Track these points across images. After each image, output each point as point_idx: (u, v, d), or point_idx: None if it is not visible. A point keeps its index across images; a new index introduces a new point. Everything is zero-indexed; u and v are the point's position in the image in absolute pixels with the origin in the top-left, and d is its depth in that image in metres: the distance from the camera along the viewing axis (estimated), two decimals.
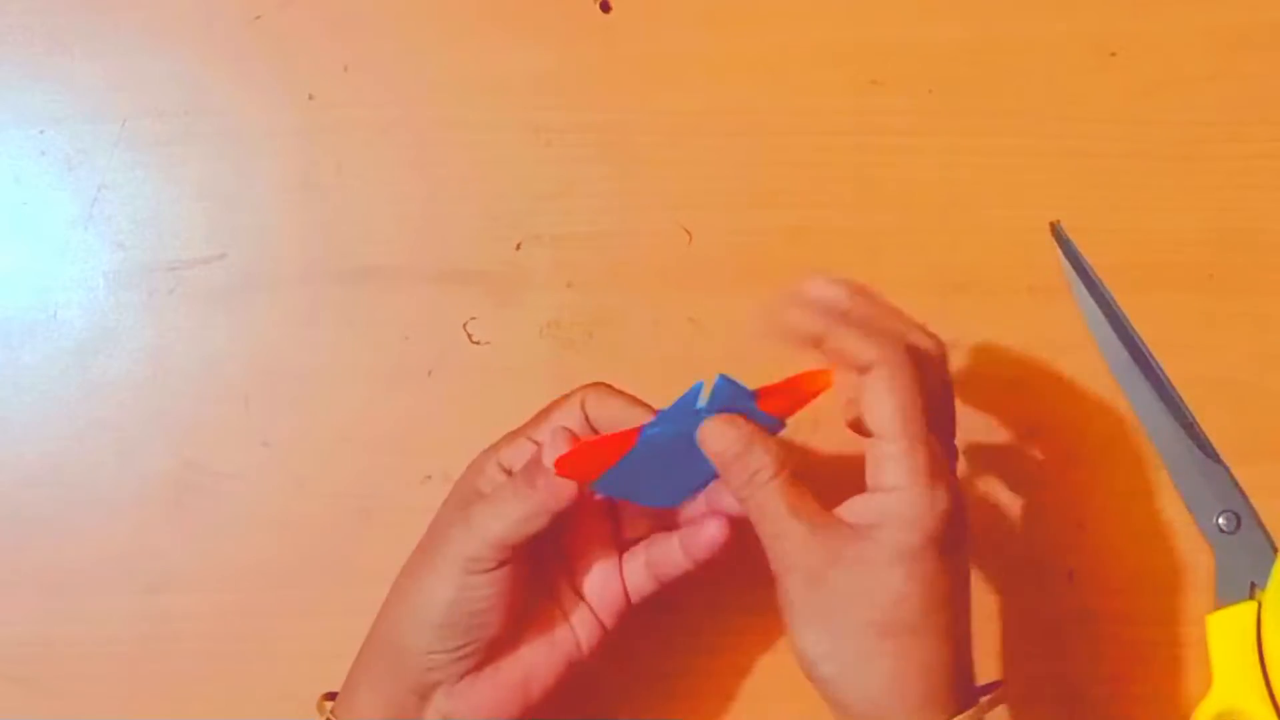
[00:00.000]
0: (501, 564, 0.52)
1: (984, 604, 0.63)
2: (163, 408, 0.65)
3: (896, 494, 0.49)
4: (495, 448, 0.56)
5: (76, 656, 0.64)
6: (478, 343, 0.65)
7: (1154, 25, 0.66)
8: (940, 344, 0.53)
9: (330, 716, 0.55)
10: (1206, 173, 0.65)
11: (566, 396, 0.55)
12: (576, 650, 0.56)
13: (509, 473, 0.54)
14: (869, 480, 0.50)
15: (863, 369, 0.50)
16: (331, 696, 0.56)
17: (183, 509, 0.64)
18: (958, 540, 0.50)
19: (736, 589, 0.62)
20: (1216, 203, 0.65)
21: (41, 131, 0.66)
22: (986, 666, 0.62)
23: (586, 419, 0.55)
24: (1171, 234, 0.65)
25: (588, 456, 0.52)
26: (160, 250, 0.66)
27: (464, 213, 0.66)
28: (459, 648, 0.53)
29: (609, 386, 0.55)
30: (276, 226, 0.66)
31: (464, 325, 0.65)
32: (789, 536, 0.50)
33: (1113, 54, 0.66)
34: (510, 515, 0.52)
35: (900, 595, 0.49)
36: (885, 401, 0.50)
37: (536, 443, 0.54)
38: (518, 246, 0.65)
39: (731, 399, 0.52)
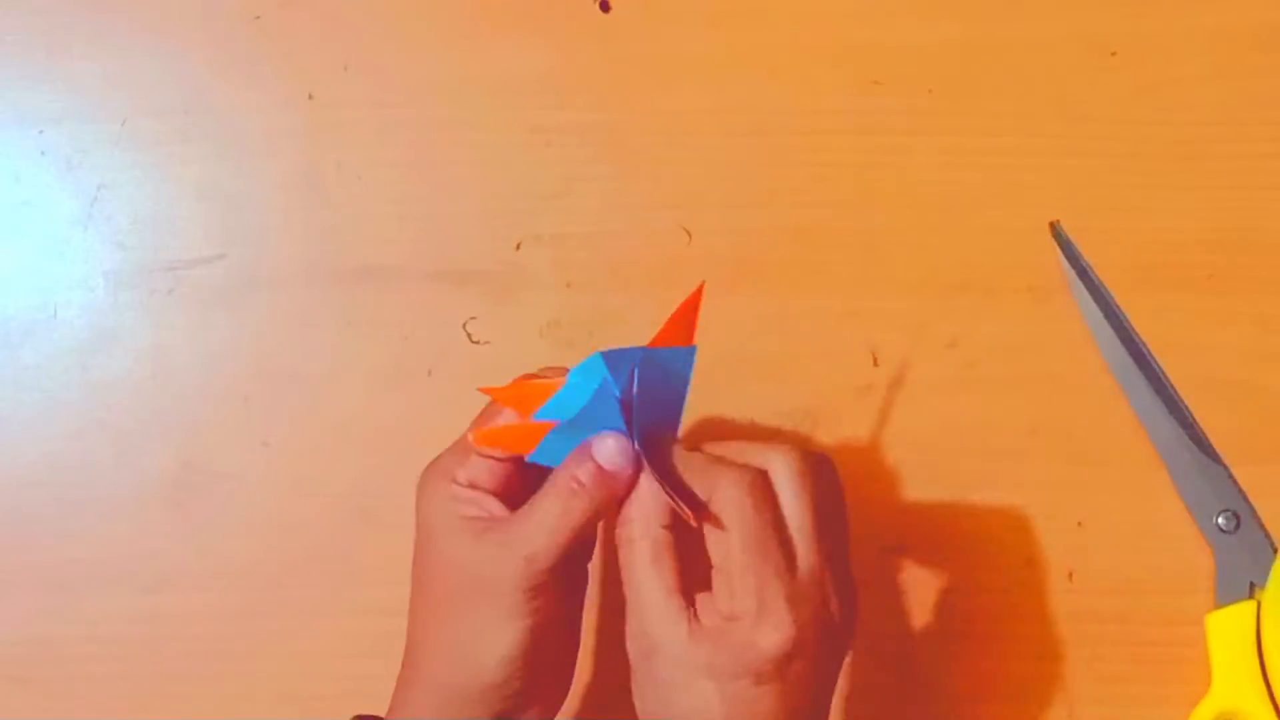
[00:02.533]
0: (555, 579, 0.51)
1: (984, 604, 0.63)
2: (163, 408, 0.65)
3: (725, 621, 0.49)
4: (445, 470, 0.53)
5: (76, 656, 0.64)
6: (477, 343, 0.65)
7: (1154, 25, 0.66)
8: (824, 456, 0.52)
9: None
10: (1206, 173, 0.65)
11: (496, 404, 0.54)
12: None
13: (477, 488, 0.53)
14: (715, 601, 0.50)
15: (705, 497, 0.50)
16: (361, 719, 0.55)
17: (182, 509, 0.64)
18: (783, 671, 0.49)
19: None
20: (1216, 203, 0.65)
21: (41, 131, 0.66)
22: (986, 666, 0.63)
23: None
24: (1171, 234, 0.65)
25: (515, 433, 0.52)
26: (160, 250, 0.66)
27: (464, 213, 0.66)
28: (536, 670, 0.52)
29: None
30: (276, 226, 0.66)
31: (464, 325, 0.65)
32: (644, 609, 0.50)
33: (1113, 54, 0.66)
34: (565, 524, 0.51)
35: (707, 708, 0.49)
36: (726, 530, 0.49)
37: (495, 457, 0.53)
38: (518, 246, 0.65)
39: (627, 364, 0.51)
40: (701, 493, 0.50)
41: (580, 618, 0.56)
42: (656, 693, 0.50)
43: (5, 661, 0.64)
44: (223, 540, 0.64)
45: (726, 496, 0.50)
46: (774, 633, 0.49)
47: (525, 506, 0.52)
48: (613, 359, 0.51)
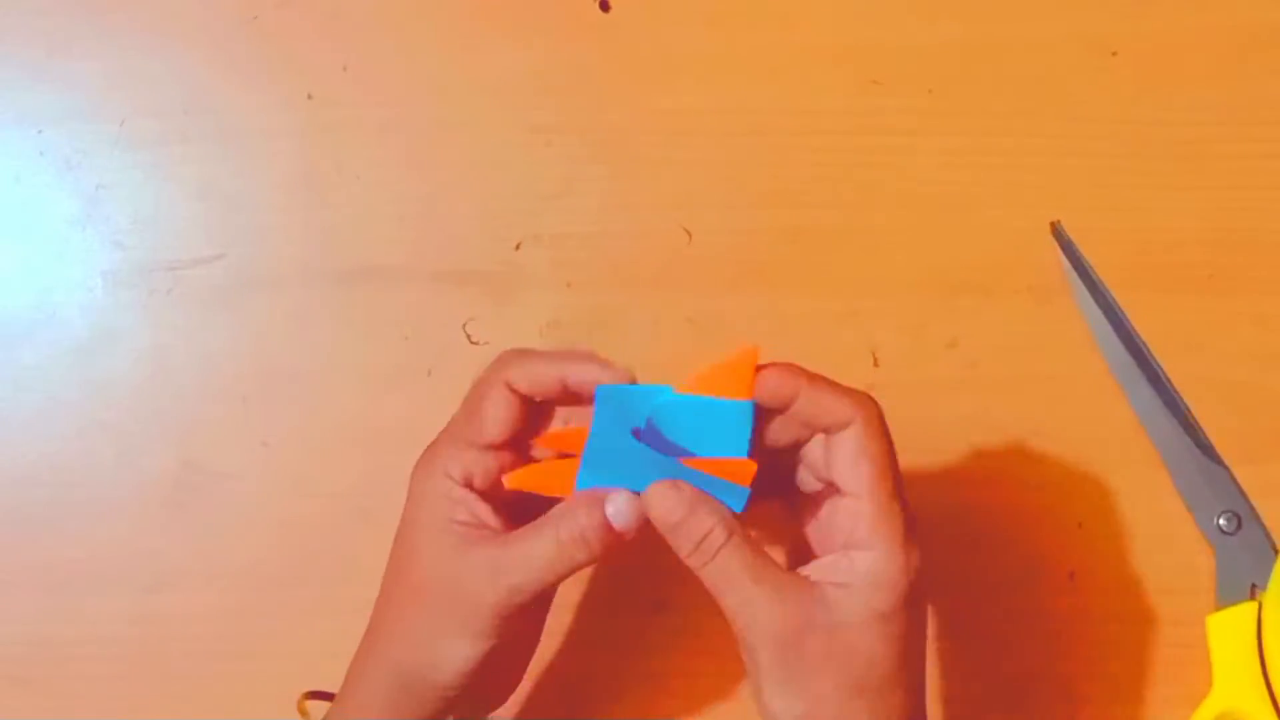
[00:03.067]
0: (530, 605, 0.51)
1: (984, 604, 0.63)
2: (163, 408, 0.65)
3: (871, 554, 0.49)
4: (440, 462, 0.52)
5: (76, 656, 0.64)
6: (477, 343, 0.65)
7: (1154, 25, 0.66)
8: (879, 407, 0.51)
9: None
10: (1206, 173, 0.65)
11: (485, 383, 0.52)
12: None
13: (471, 486, 0.51)
14: (839, 537, 0.49)
15: (834, 428, 0.49)
16: (313, 696, 0.55)
17: (182, 509, 0.64)
18: (923, 596, 0.50)
19: None
20: (1216, 203, 0.65)
21: (41, 131, 0.66)
22: (986, 667, 0.63)
23: (517, 397, 0.51)
24: (1171, 234, 0.65)
25: (546, 474, 0.51)
26: (160, 250, 0.66)
27: (464, 213, 0.66)
28: (494, 676, 0.52)
29: (525, 351, 0.52)
30: (276, 226, 0.66)
31: (463, 325, 0.65)
32: (755, 604, 0.48)
33: (1113, 54, 0.66)
34: (556, 567, 0.50)
35: (874, 656, 0.48)
36: (862, 459, 0.49)
37: (494, 446, 0.52)
38: (518, 246, 0.65)
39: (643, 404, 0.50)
40: (843, 415, 0.49)
41: (544, 621, 0.56)
42: (814, 676, 0.48)
43: (5, 661, 0.64)
44: (223, 540, 0.64)
45: (872, 421, 0.49)
46: (915, 553, 0.49)
47: (521, 533, 0.50)
48: (634, 398, 0.50)
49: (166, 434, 0.65)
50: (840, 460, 0.49)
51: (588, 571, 0.58)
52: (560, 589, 0.63)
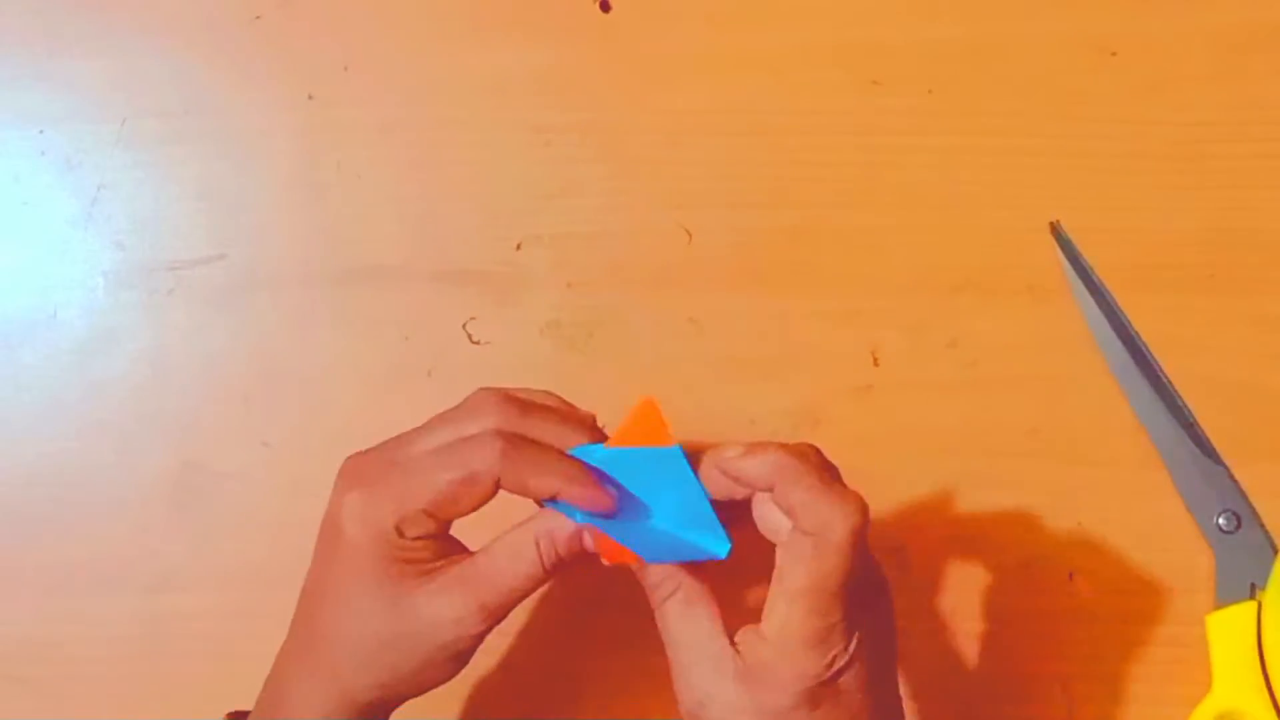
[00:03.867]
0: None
1: (984, 604, 0.63)
2: (163, 408, 0.65)
3: (771, 647, 0.49)
4: (380, 505, 0.51)
5: (76, 656, 0.64)
6: (478, 343, 0.65)
7: (1154, 25, 0.66)
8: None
9: None
10: (1206, 173, 0.65)
11: (478, 472, 0.50)
12: None
13: (421, 537, 0.51)
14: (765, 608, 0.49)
15: (801, 528, 0.48)
16: (237, 715, 0.55)
17: (183, 509, 0.64)
18: (840, 694, 0.49)
19: (736, 589, 0.62)
20: (1216, 203, 0.65)
21: (41, 131, 0.66)
22: (987, 667, 0.62)
23: (494, 491, 0.51)
24: (1171, 234, 0.65)
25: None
26: (160, 250, 0.66)
27: (464, 213, 0.66)
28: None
29: (526, 446, 0.51)
30: (276, 226, 0.66)
31: (464, 325, 0.65)
32: (677, 661, 0.50)
33: (1113, 54, 0.66)
34: (508, 594, 0.51)
35: None
36: (805, 569, 0.48)
37: (439, 518, 0.51)
38: (518, 246, 0.65)
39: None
40: (807, 521, 0.48)
41: None
42: None
43: (5, 661, 0.64)
44: (223, 540, 0.64)
45: (843, 527, 0.47)
46: (827, 655, 0.48)
47: (483, 558, 0.51)
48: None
49: (167, 434, 0.65)
50: (788, 550, 0.49)
51: (588, 570, 0.58)
52: (561, 589, 0.63)
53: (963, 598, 0.63)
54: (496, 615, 0.51)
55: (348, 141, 0.66)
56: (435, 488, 0.50)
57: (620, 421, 0.51)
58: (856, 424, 0.64)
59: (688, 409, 0.62)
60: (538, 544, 0.51)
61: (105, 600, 0.64)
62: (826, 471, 0.49)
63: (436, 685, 0.52)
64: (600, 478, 0.51)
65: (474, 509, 0.51)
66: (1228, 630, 0.60)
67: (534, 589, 0.51)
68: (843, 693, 0.49)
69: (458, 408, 0.53)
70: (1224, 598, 0.61)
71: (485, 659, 0.63)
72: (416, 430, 0.53)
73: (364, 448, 0.64)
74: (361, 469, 0.52)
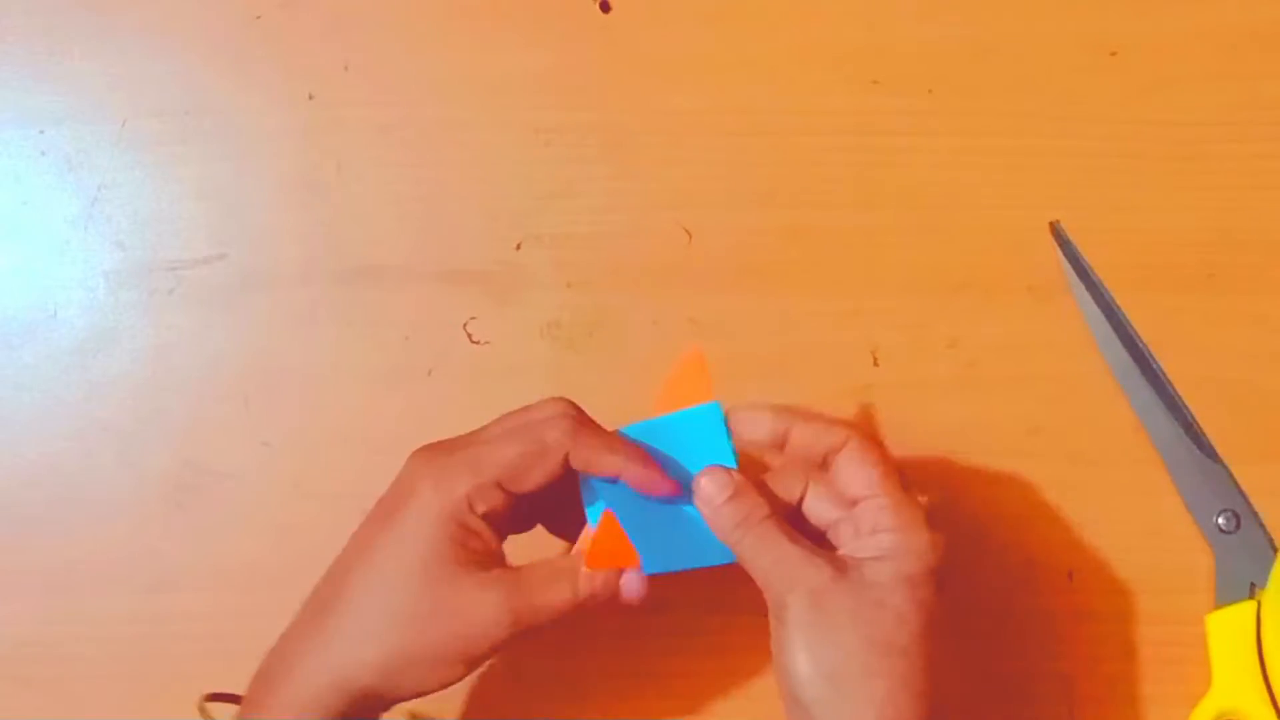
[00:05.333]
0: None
1: (984, 604, 0.63)
2: (163, 408, 0.65)
3: (899, 534, 0.52)
4: (457, 484, 0.52)
5: (76, 656, 0.64)
6: (478, 343, 0.65)
7: (1154, 25, 0.66)
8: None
9: None
10: (1206, 173, 0.65)
11: (547, 440, 0.53)
12: None
13: (483, 516, 0.53)
14: (867, 527, 0.52)
15: (830, 453, 0.53)
16: (216, 698, 0.55)
17: (183, 509, 0.64)
18: (943, 585, 0.52)
19: (736, 589, 0.62)
20: (1216, 203, 0.65)
21: (41, 131, 0.67)
22: (987, 666, 0.63)
23: (564, 467, 0.53)
24: (1171, 234, 0.65)
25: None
26: (160, 250, 0.66)
27: (464, 213, 0.66)
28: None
29: (591, 429, 0.54)
30: (276, 226, 0.66)
31: (464, 325, 0.65)
32: (791, 559, 0.51)
33: (1113, 54, 0.66)
34: (553, 612, 0.53)
35: (902, 617, 0.50)
36: (867, 467, 0.53)
37: (509, 491, 0.53)
38: (518, 246, 0.65)
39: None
40: (838, 437, 0.53)
41: None
42: (841, 632, 0.50)
43: (5, 661, 0.64)
44: (223, 540, 0.64)
45: (857, 446, 0.53)
46: (939, 537, 0.52)
47: (535, 574, 0.53)
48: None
49: (167, 434, 0.65)
50: (848, 474, 0.53)
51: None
52: None
53: (963, 597, 0.63)
54: (522, 626, 0.52)
55: (348, 141, 0.66)
56: (507, 458, 0.52)
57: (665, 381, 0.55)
58: (857, 424, 0.64)
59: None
60: (579, 571, 0.53)
61: (105, 600, 0.64)
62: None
63: (431, 689, 0.53)
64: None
65: (543, 484, 0.53)
66: (1227, 630, 0.60)
67: (563, 613, 0.53)
68: (943, 594, 0.52)
69: (526, 406, 0.55)
70: (1224, 598, 0.61)
71: None
72: (488, 424, 0.55)
73: (363, 448, 0.64)
74: (434, 451, 0.54)
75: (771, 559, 0.52)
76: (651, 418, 0.55)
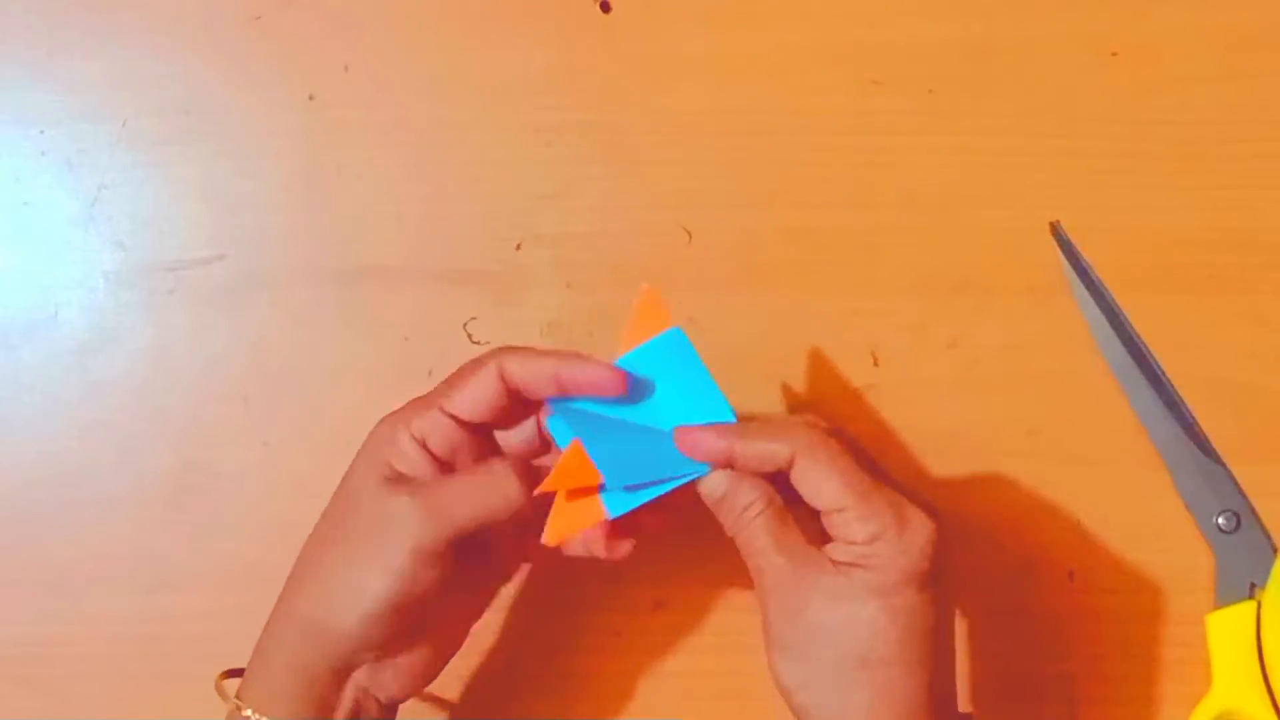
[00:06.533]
0: (451, 551, 0.52)
1: (984, 604, 0.63)
2: (163, 408, 0.65)
3: (866, 545, 0.51)
4: (403, 417, 0.54)
5: (76, 656, 0.64)
6: (478, 343, 0.65)
7: (1154, 25, 0.66)
8: (829, 426, 0.54)
9: (236, 700, 0.54)
10: (1206, 173, 0.65)
11: (479, 362, 0.54)
12: (494, 595, 0.58)
13: (424, 446, 0.53)
14: (838, 536, 0.52)
15: (784, 467, 0.52)
16: (232, 674, 0.55)
17: (183, 509, 0.64)
18: (935, 572, 0.51)
19: (736, 589, 0.63)
20: (1216, 203, 0.65)
21: (42, 131, 0.67)
22: (987, 666, 0.63)
23: (503, 385, 0.54)
24: (1171, 234, 0.65)
25: (568, 516, 0.53)
26: (160, 250, 0.66)
27: (464, 213, 0.66)
28: (395, 633, 0.53)
29: (524, 347, 0.55)
30: (276, 226, 0.66)
31: (464, 325, 0.65)
32: (771, 570, 0.52)
33: (1113, 54, 0.66)
34: (478, 509, 0.52)
35: (876, 629, 0.50)
36: (821, 480, 0.51)
37: (452, 415, 0.54)
38: (518, 246, 0.65)
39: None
40: (782, 455, 0.52)
41: (474, 617, 0.57)
42: (819, 645, 0.51)
43: (5, 661, 0.64)
44: (223, 540, 0.64)
45: (813, 445, 0.51)
46: (922, 529, 0.51)
47: (449, 476, 0.53)
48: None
49: (167, 434, 0.65)
50: (807, 489, 0.52)
51: (588, 569, 0.58)
52: (561, 588, 0.63)
53: (963, 597, 0.63)
54: (442, 526, 0.52)
55: (348, 141, 0.66)
56: (447, 388, 0.54)
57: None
58: (856, 424, 0.64)
59: None
60: (498, 470, 0.53)
61: (105, 600, 0.64)
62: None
63: (378, 619, 0.52)
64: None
65: (489, 409, 0.54)
66: (1227, 630, 0.60)
67: (486, 513, 0.52)
68: (940, 588, 0.51)
69: None
70: (1224, 597, 0.61)
71: (484, 658, 0.63)
72: None
73: None
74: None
75: (755, 565, 0.52)
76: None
